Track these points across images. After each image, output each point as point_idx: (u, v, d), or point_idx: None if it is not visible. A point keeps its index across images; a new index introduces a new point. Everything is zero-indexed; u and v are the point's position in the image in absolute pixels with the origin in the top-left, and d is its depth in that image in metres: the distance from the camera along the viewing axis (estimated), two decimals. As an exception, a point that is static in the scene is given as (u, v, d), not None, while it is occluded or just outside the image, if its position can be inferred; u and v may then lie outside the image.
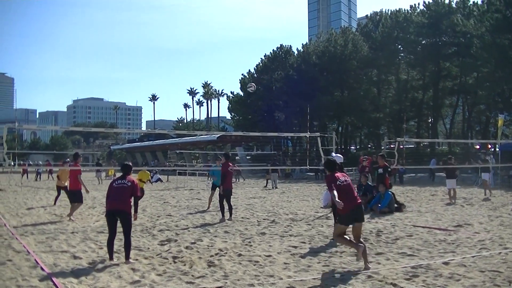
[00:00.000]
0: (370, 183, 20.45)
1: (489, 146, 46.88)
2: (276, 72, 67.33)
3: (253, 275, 8.52)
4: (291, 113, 63.81)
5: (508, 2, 42.97)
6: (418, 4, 58.64)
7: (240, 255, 10.20)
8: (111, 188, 10.16)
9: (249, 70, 75.13)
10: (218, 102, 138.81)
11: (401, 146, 34.60)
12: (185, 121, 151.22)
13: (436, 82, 56.34)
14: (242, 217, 16.47)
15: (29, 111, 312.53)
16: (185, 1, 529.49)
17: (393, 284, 7.75)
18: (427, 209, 18.77)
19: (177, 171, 46.99)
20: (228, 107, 78.47)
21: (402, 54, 61.46)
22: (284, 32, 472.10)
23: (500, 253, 9.95)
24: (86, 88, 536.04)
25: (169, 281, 8.19)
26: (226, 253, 10.42)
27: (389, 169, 19.24)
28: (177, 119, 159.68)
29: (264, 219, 16.20)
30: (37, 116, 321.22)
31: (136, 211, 10.31)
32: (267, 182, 34.45)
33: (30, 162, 74.00)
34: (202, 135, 64.84)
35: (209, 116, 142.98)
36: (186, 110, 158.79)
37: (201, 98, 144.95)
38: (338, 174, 9.64)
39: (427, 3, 56.01)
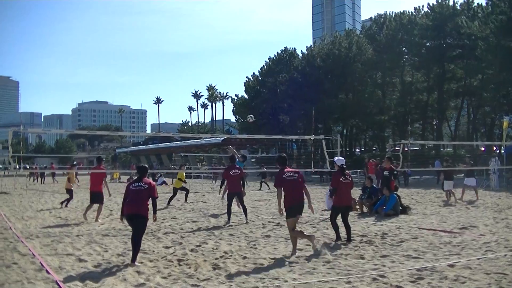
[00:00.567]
0: (375, 186, 20.42)
1: (494, 148, 46.80)
2: (281, 75, 67.40)
3: (258, 277, 8.52)
4: (295, 115, 63.83)
5: (513, 4, 42.92)
6: (423, 6, 58.89)
7: (245, 257, 10.20)
8: (128, 191, 10.22)
9: (254, 73, 75.30)
10: (223, 105, 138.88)
11: (406, 149, 34.58)
12: (189, 124, 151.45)
13: (441, 84, 56.26)
14: (247, 220, 16.46)
15: (34, 115, 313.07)
16: (189, 5, 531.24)
17: (398, 287, 7.74)
18: (432, 211, 18.73)
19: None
20: (233, 109, 78.61)
21: (406, 56, 61.41)
22: (288, 35, 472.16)
23: (505, 255, 9.92)
24: (91, 92, 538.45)
25: (174, 284, 8.19)
26: (231, 255, 10.43)
27: (395, 172, 19.26)
28: (181, 122, 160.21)
29: (269, 221, 16.19)
30: (42, 120, 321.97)
31: (155, 212, 10.32)
32: (261, 185, 34.50)
33: (45, 165, 74.18)
34: (207, 138, 64.73)
35: (214, 119, 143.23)
36: (190, 113, 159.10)
37: (206, 101, 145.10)
38: (288, 169, 11.08)
39: (431, 5, 56.03)
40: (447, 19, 53.18)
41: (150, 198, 10.14)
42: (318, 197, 25.90)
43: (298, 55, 70.74)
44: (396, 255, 10.27)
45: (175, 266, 9.50)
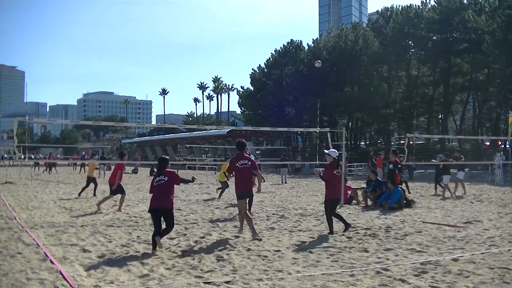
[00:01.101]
0: (379, 179, 20.41)
1: (499, 143, 46.69)
2: (287, 67, 67.23)
3: (261, 270, 8.52)
4: (301, 108, 63.76)
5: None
6: (429, 0, 58.54)
7: (249, 249, 10.20)
8: (152, 187, 10.67)
9: (260, 65, 75.05)
10: (228, 97, 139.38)
11: (411, 142, 34.50)
12: (195, 115, 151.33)
13: (447, 78, 56.13)
14: (252, 212, 16.45)
15: (39, 105, 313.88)
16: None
17: (401, 280, 7.73)
18: (436, 205, 18.72)
19: (187, 165, 47.02)
20: (238, 101, 78.42)
21: (412, 50, 61.23)
22: (294, 27, 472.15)
23: (509, 250, 9.89)
24: (97, 82, 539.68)
25: (178, 275, 8.20)
26: (235, 247, 10.44)
27: (399, 166, 19.25)
28: (187, 114, 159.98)
29: (273, 214, 16.20)
30: (48, 110, 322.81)
31: (188, 182, 11.66)
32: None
33: (58, 155, 74.22)
34: (212, 129, 64.74)
35: (219, 111, 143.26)
36: (196, 104, 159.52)
37: (211, 93, 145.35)
38: (244, 156, 11.88)
39: (438, -1, 55.82)
40: (454, 13, 53.01)
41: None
42: (322, 189, 25.85)
43: (304, 48, 70.56)
44: (400, 248, 10.26)
45: (179, 258, 9.51)
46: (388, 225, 13.50)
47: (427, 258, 9.29)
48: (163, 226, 10.35)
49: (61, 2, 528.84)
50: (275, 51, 73.15)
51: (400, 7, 61.53)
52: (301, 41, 72.46)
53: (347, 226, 12.39)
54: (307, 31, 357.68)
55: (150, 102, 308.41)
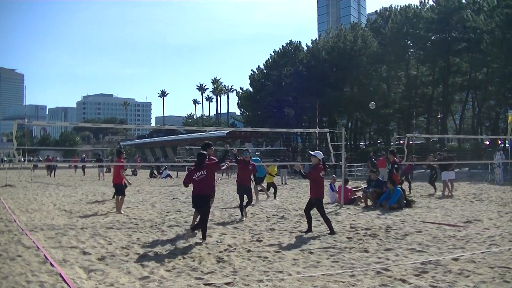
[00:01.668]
0: (380, 179, 20.40)
1: (499, 142, 46.71)
2: (286, 68, 67.30)
3: (262, 271, 8.52)
4: (300, 109, 63.86)
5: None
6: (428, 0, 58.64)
7: (249, 251, 10.20)
8: (190, 179, 11.97)
9: (259, 66, 75.06)
10: (228, 98, 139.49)
11: (411, 142, 34.47)
12: (194, 117, 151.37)
13: (446, 77, 56.16)
14: (252, 213, 16.44)
15: (39, 107, 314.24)
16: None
17: (402, 280, 7.74)
18: (436, 205, 18.72)
19: (187, 167, 46.95)
20: (238, 103, 78.43)
21: (411, 50, 61.31)
22: (293, 28, 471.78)
23: (510, 249, 9.91)
24: (96, 84, 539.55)
25: (178, 277, 8.20)
26: (235, 249, 10.43)
27: (396, 166, 19.28)
28: (186, 115, 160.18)
29: (273, 215, 16.20)
30: (47, 112, 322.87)
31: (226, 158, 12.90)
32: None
33: (58, 158, 74.06)
34: (211, 131, 64.70)
35: (219, 112, 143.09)
36: (195, 106, 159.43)
37: (211, 94, 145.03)
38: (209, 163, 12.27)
39: (436, -2, 55.87)
40: (453, 12, 53.05)
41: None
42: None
43: (303, 48, 70.62)
44: (400, 248, 10.27)
45: (179, 259, 9.51)
46: (388, 225, 13.51)
47: (427, 257, 9.30)
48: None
49: (60, 4, 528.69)
50: (274, 52, 73.21)
51: (399, 7, 61.61)
52: (300, 41, 72.60)
53: (309, 230, 12.50)
54: (306, 32, 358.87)
55: (149, 104, 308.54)
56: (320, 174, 12.50)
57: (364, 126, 69.92)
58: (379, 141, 68.88)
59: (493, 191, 24.11)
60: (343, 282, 7.74)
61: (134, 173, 48.82)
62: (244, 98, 75.43)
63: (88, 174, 48.85)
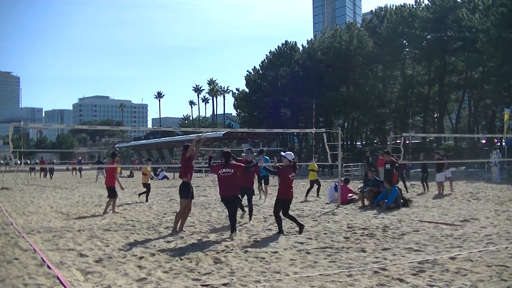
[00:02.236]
0: (377, 178, 20.42)
1: (495, 141, 46.77)
2: (282, 69, 67.46)
3: (259, 271, 8.51)
4: (296, 109, 63.93)
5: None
6: (423, -2, 58.75)
7: (246, 251, 10.19)
8: (219, 178, 12.38)
9: (254, 67, 75.25)
10: (224, 99, 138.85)
11: (407, 142, 34.50)
12: (190, 118, 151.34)
13: (442, 77, 56.31)
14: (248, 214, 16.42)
15: (35, 110, 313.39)
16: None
17: (399, 280, 7.73)
18: (433, 204, 18.74)
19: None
20: (234, 104, 78.58)
21: (407, 49, 61.46)
22: (289, 28, 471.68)
23: (507, 247, 9.91)
24: (92, 86, 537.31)
25: (176, 278, 8.19)
26: (233, 249, 10.42)
27: (396, 165, 19.31)
28: (182, 116, 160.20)
29: (270, 215, 16.14)
30: (43, 115, 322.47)
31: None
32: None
33: (54, 160, 73.91)
34: (208, 132, 64.66)
35: (215, 113, 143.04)
36: (191, 107, 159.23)
37: (207, 95, 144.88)
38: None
39: (432, -3, 55.95)
40: (448, 11, 53.16)
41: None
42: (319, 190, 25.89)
43: (299, 49, 70.83)
44: (397, 248, 10.27)
45: (176, 260, 9.49)
46: (385, 224, 13.51)
47: (424, 257, 9.30)
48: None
49: (56, 7, 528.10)
50: (269, 52, 73.36)
51: (394, 7, 61.87)
52: (295, 42, 72.98)
53: (301, 227, 12.53)
54: (302, 32, 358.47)
55: (145, 106, 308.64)
56: (290, 176, 12.52)
57: (361, 126, 70.11)
58: (375, 141, 69.05)
59: (490, 190, 24.14)
60: (340, 282, 7.73)
61: (131, 175, 48.70)
62: (240, 99, 75.55)
63: (85, 176, 48.79)
